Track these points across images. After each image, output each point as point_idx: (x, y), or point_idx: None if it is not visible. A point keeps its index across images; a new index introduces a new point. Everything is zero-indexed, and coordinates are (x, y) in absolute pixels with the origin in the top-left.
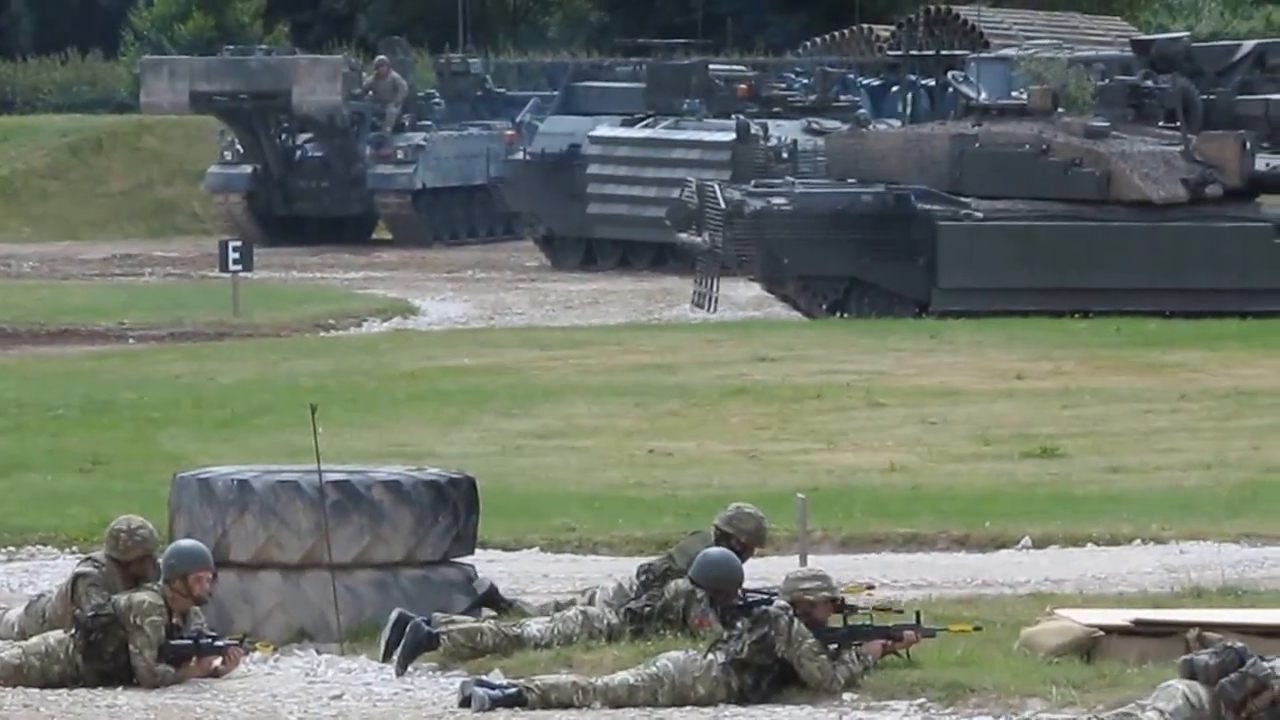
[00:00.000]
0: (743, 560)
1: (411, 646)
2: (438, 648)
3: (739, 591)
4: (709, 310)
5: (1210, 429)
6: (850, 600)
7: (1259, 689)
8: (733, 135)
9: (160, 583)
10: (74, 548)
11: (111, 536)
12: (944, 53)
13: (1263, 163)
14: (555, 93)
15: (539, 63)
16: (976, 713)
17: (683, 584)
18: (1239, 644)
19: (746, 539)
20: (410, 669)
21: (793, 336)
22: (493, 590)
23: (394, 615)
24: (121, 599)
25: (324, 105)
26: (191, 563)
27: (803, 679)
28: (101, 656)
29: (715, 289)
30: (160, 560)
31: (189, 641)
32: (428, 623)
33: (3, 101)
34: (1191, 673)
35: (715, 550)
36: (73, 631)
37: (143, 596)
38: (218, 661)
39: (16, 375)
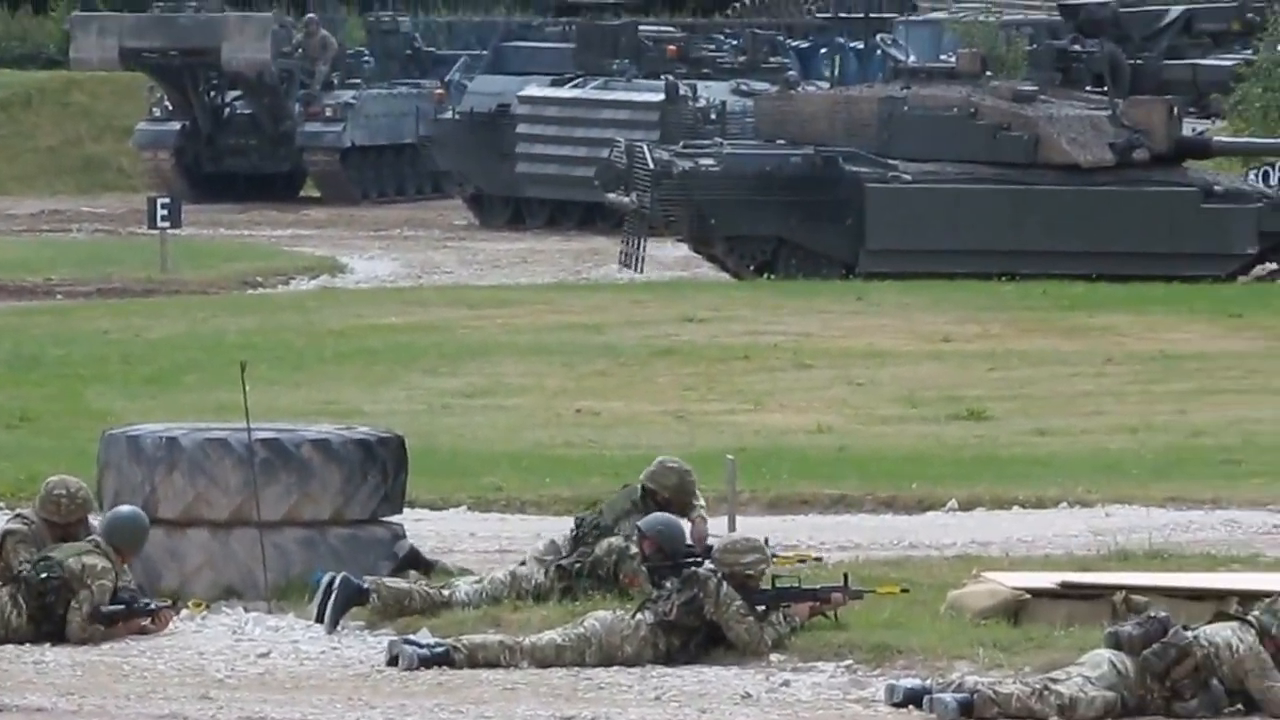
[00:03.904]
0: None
1: (342, 600)
2: (367, 603)
3: (675, 557)
4: (636, 270)
5: (1136, 393)
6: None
7: (1181, 657)
8: (661, 96)
9: (104, 542)
10: (1, 504)
11: (51, 501)
12: (873, 15)
13: (1189, 128)
14: (484, 52)
15: (468, 22)
16: (904, 674)
17: (616, 541)
18: (1162, 613)
19: (670, 494)
20: (339, 628)
21: (720, 297)
22: (414, 553)
23: (325, 578)
24: (72, 562)
25: (253, 62)
26: (137, 543)
27: (730, 640)
28: (51, 619)
29: (642, 249)
30: (100, 524)
31: (121, 606)
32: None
33: None
34: (1116, 643)
35: (664, 513)
36: (8, 589)
37: (94, 561)
38: (146, 621)
39: None
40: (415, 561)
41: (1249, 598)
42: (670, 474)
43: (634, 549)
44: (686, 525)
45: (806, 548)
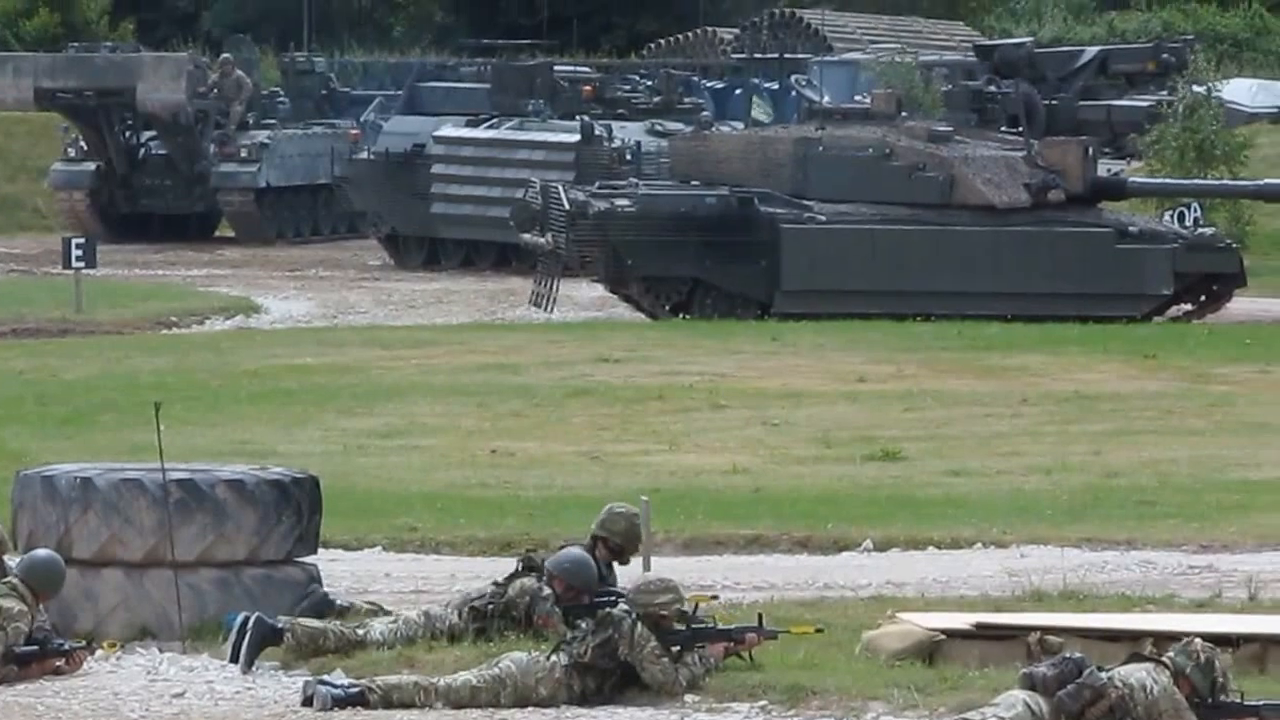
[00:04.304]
0: (622, 563)
1: (257, 639)
2: (282, 642)
3: (588, 595)
4: (547, 311)
5: (1051, 433)
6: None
7: (1096, 698)
8: (577, 136)
9: (20, 584)
10: None
11: None
12: (788, 56)
13: (1105, 169)
14: (399, 92)
15: (384, 62)
16: (818, 715)
17: (528, 582)
18: (1077, 654)
19: (621, 539)
20: (253, 668)
21: (635, 338)
22: (323, 600)
23: (238, 619)
24: None
25: (168, 103)
26: (55, 586)
27: (645, 681)
28: None
29: (555, 290)
30: (17, 565)
31: (35, 647)
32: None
33: None
34: (1031, 684)
35: (575, 549)
36: None
37: (9, 603)
38: (60, 662)
39: None
40: (322, 610)
41: (1164, 639)
42: (619, 519)
43: (546, 590)
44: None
45: (721, 588)
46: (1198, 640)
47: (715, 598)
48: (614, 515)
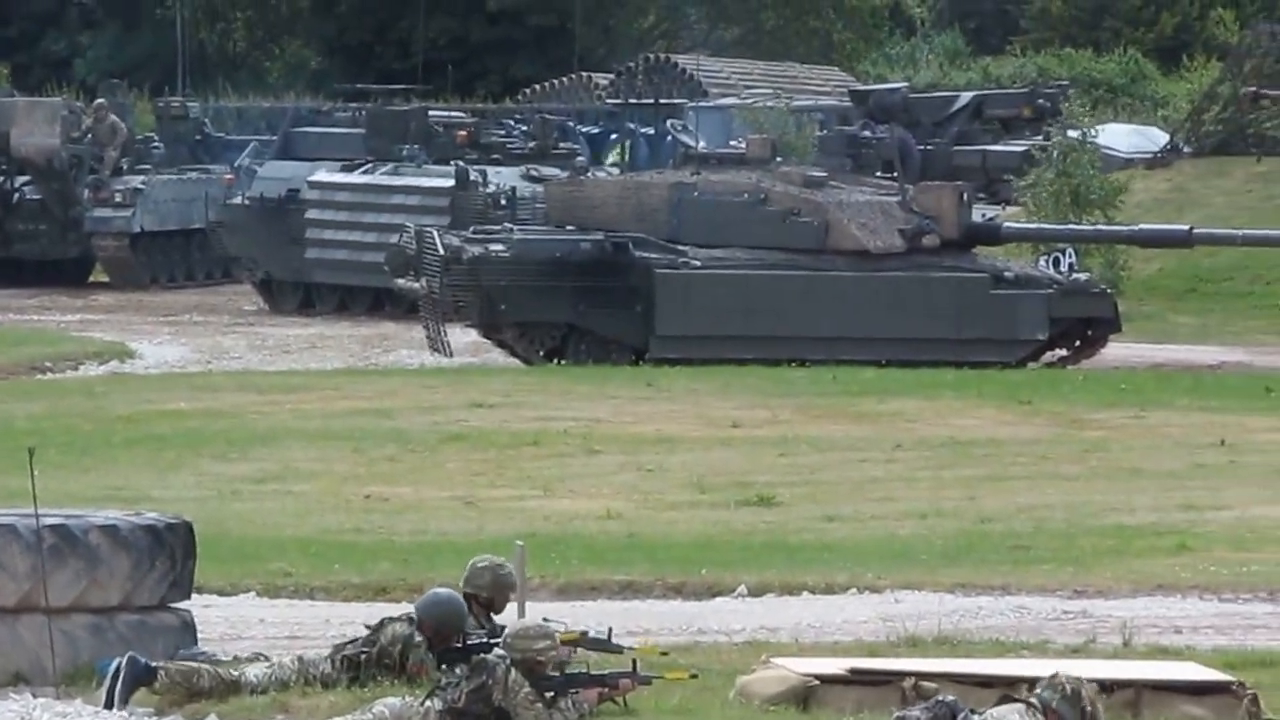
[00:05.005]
0: (496, 612)
1: (130, 679)
2: (155, 682)
3: (459, 636)
4: (445, 354)
5: (926, 478)
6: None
7: None
8: (452, 182)
9: None
10: None
11: None
12: (663, 101)
13: (979, 214)
14: (274, 137)
15: (258, 107)
16: None
17: (400, 628)
18: (950, 697)
19: (488, 591)
20: (128, 710)
21: (510, 383)
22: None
23: (113, 665)
24: None
25: (42, 148)
26: None
27: None
28: None
29: (445, 333)
30: None
31: None
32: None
33: None
34: None
35: (443, 590)
36: None
37: None
38: None
39: None
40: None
41: (1036, 685)
42: (483, 573)
43: (419, 636)
44: None
45: (594, 634)
46: (1062, 673)
47: (585, 633)
48: (477, 570)
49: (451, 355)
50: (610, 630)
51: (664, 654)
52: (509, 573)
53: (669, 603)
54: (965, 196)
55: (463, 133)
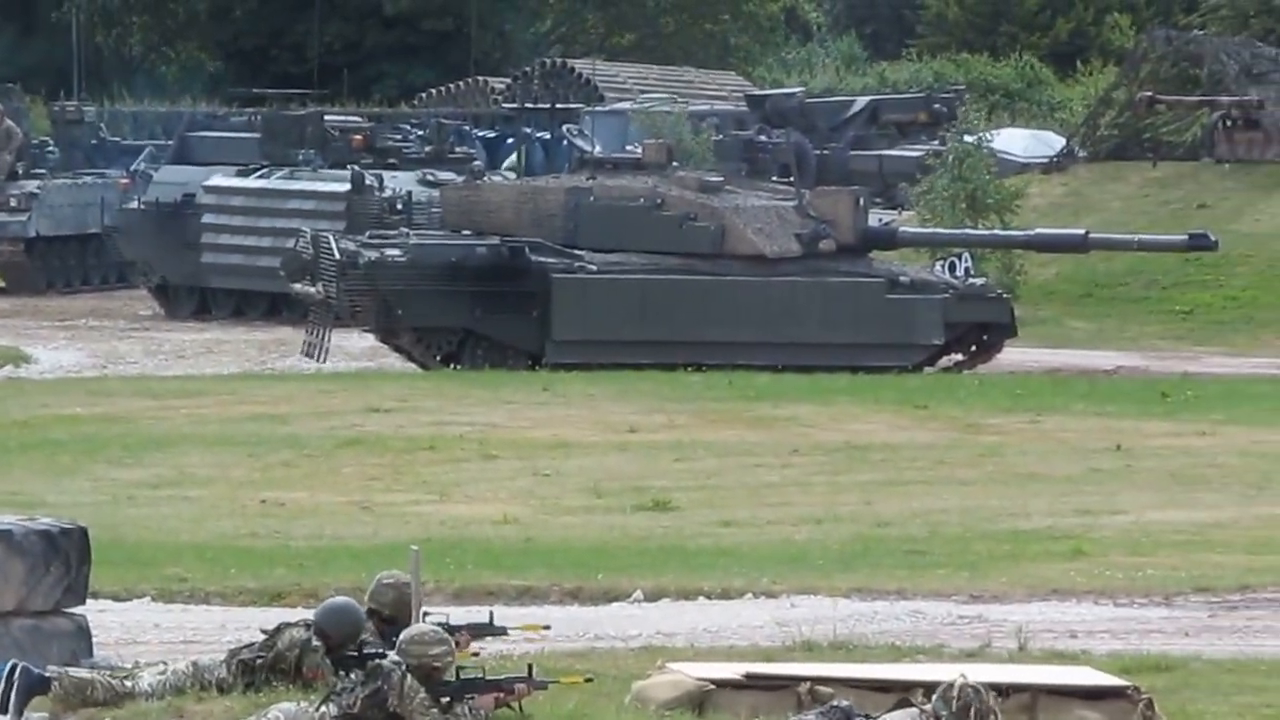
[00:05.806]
0: (397, 631)
1: (24, 689)
2: (49, 691)
3: (356, 644)
4: (319, 361)
5: (821, 483)
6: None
7: None
8: (347, 186)
9: None
10: None
11: None
12: (559, 106)
13: (876, 219)
14: (170, 142)
15: (154, 111)
16: None
17: (297, 633)
18: (845, 702)
19: (390, 609)
20: (23, 719)
21: (406, 388)
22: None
23: (6, 667)
24: None
25: None
26: None
27: None
28: None
29: (327, 340)
30: None
31: None
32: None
33: None
34: None
35: (340, 598)
36: None
37: None
38: None
39: None
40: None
41: (934, 689)
42: (387, 591)
43: (316, 641)
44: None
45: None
46: (959, 682)
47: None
48: (381, 587)
49: (325, 361)
50: (491, 614)
51: (546, 628)
52: (410, 591)
53: (565, 608)
54: (861, 201)
55: (358, 137)
